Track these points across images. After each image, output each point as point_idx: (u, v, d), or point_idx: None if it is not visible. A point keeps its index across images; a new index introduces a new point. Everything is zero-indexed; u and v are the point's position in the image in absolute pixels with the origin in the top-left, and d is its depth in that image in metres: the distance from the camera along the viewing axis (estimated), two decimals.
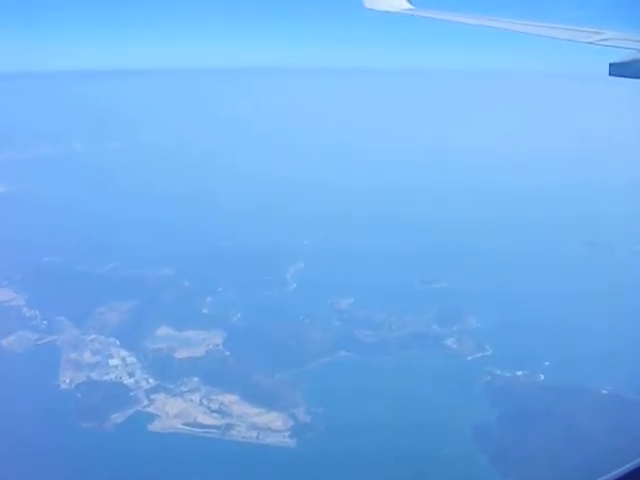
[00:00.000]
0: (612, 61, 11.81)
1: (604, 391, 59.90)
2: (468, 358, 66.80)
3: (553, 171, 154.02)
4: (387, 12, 20.39)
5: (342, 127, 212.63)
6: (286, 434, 54.89)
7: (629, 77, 11.54)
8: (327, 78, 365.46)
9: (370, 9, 20.63)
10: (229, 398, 59.73)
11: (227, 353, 66.53)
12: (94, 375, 63.76)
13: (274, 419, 56.83)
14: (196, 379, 62.56)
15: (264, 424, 56.17)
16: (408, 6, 20.62)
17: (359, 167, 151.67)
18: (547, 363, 65.69)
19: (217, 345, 68.02)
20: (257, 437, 54.86)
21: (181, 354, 66.56)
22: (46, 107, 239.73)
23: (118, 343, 69.06)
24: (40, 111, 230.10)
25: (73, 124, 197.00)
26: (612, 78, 11.94)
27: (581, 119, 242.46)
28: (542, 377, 63.56)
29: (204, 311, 75.89)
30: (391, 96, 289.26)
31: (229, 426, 55.98)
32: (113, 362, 65.69)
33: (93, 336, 70.70)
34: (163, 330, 71.37)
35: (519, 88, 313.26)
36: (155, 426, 56.22)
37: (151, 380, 62.64)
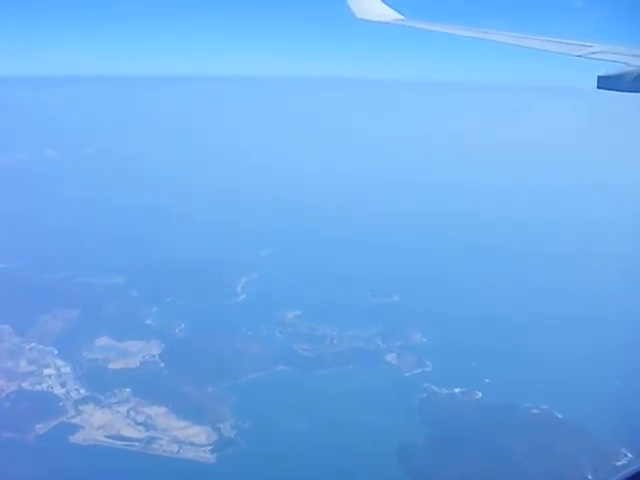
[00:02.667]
0: (600, 74, 11.83)
1: (535, 410, 58.94)
2: (406, 374, 65.94)
3: (528, 187, 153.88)
4: (378, 23, 20.31)
5: (314, 139, 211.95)
6: (207, 449, 54.05)
7: (617, 90, 11.57)
8: (315, 88, 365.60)
9: (361, 19, 20.53)
10: (156, 410, 58.92)
11: (162, 364, 65.76)
12: (26, 385, 62.89)
13: (198, 433, 56.01)
14: (128, 390, 61.72)
15: (187, 438, 55.36)
16: (399, 17, 20.59)
17: (324, 182, 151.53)
18: (487, 380, 64.83)
19: (153, 356, 67.27)
20: (178, 451, 54.02)
21: (116, 365, 65.77)
22: (20, 113, 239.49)
23: (56, 352, 68.25)
24: (13, 117, 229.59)
25: (45, 131, 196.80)
26: (600, 91, 11.99)
27: (568, 132, 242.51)
28: (479, 395, 62.70)
29: (148, 321, 75.10)
30: (378, 108, 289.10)
31: (151, 439, 55.15)
32: (47, 372, 64.88)
33: (33, 344, 69.90)
34: (103, 340, 70.62)
35: (507, 100, 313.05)
36: (77, 438, 55.33)
37: (82, 390, 61.86)
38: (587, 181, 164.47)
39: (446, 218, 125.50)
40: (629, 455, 54.50)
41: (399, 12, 21.07)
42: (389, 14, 20.73)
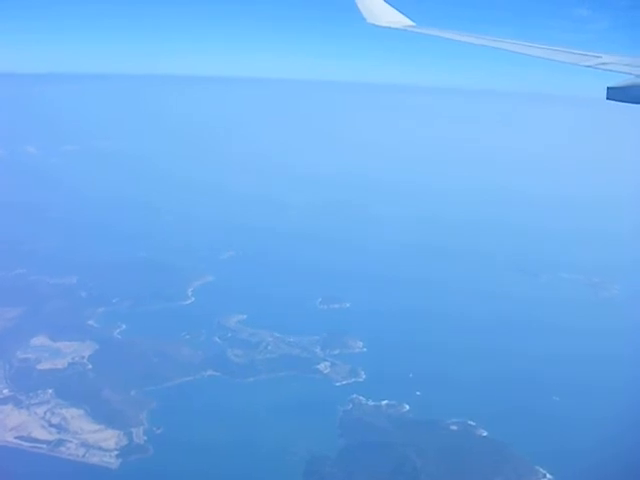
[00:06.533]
0: (610, 85, 11.87)
1: (454, 427, 57.24)
2: (336, 384, 64.50)
3: (523, 194, 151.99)
4: (389, 28, 20.43)
5: (314, 141, 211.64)
6: (113, 454, 53.19)
7: (626, 102, 11.56)
8: (322, 91, 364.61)
9: (371, 25, 20.70)
10: (73, 413, 58.30)
11: (89, 366, 65.19)
12: None
13: (108, 437, 55.23)
14: (50, 391, 61.20)
15: (96, 442, 54.58)
16: (409, 23, 20.71)
17: (316, 183, 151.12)
18: (418, 393, 63.21)
19: (82, 357, 66.70)
20: (83, 455, 53.22)
21: (44, 365, 65.32)
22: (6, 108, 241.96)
23: None
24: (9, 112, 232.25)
25: (29, 127, 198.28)
26: (610, 102, 11.98)
27: (576, 142, 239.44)
28: (406, 408, 61.06)
29: (89, 322, 74.66)
30: (385, 111, 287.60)
31: (60, 442, 54.46)
32: None
33: None
34: (39, 340, 70.30)
35: (516, 108, 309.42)
36: None
37: (5, 391, 61.35)
38: (585, 192, 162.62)
39: (432, 221, 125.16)
40: (548, 476, 52.77)
41: (409, 18, 21.09)
42: (399, 20, 20.84)
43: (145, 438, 55.00)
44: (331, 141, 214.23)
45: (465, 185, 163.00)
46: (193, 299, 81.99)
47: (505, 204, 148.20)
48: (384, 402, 61.53)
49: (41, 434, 55.60)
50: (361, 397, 62.15)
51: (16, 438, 55.00)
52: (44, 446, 54.10)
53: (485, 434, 57.56)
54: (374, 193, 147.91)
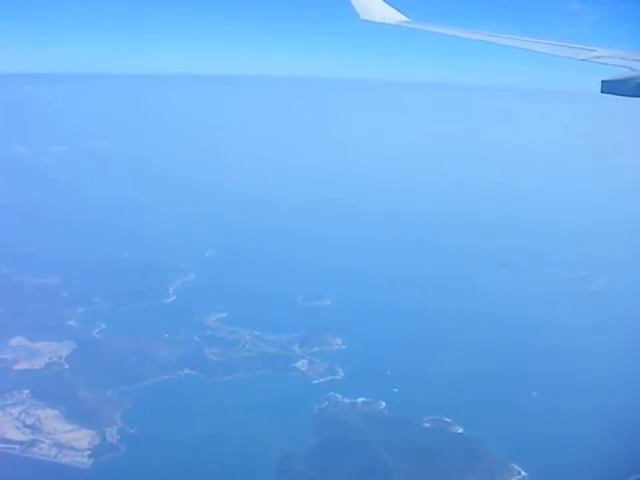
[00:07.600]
0: (604, 79, 11.89)
1: (428, 424, 57.07)
2: (314, 382, 64.35)
3: (517, 188, 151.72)
4: (383, 24, 20.51)
5: (307, 137, 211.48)
6: (85, 454, 53.14)
7: (620, 95, 11.59)
8: (316, 87, 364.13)
9: (365, 21, 20.76)
10: (48, 413, 58.24)
11: (66, 366, 65.11)
12: None
13: (82, 437, 55.19)
14: (26, 392, 61.14)
15: (69, 442, 54.54)
16: (404, 19, 20.75)
17: (307, 179, 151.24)
18: (396, 390, 63.03)
19: (60, 358, 66.65)
20: (55, 456, 53.20)
21: (21, 365, 65.27)
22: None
23: None
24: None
25: (17, 128, 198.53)
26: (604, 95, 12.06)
27: (571, 135, 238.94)
28: (382, 405, 60.86)
29: (69, 322, 74.57)
30: (381, 108, 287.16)
31: (33, 443, 54.42)
32: None
33: None
34: (17, 340, 70.24)
35: (510, 102, 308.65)
36: None
37: None
38: (578, 186, 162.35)
39: (426, 218, 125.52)
40: (523, 473, 52.60)
41: (403, 14, 21.07)
42: (393, 16, 20.83)
43: (118, 437, 54.97)
44: (326, 138, 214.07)
45: (459, 181, 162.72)
46: (174, 297, 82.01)
47: (500, 200, 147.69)
48: (360, 399, 61.36)
49: (15, 435, 55.53)
50: (337, 395, 61.97)
51: None
52: (17, 447, 54.02)
53: (461, 431, 57.37)
54: (368, 190, 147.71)
